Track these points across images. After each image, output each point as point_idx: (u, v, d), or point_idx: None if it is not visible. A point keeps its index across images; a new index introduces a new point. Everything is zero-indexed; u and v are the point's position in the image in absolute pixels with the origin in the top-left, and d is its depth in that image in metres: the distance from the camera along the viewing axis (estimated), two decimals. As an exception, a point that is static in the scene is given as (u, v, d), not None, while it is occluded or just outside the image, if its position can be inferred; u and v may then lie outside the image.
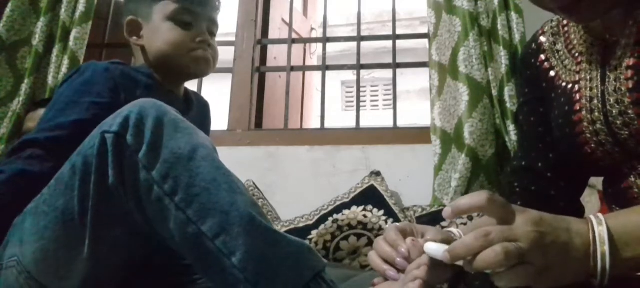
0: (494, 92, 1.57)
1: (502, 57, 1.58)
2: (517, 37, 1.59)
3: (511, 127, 1.52)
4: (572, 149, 0.69)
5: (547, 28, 0.79)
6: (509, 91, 1.55)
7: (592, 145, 0.66)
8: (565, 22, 0.76)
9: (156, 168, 0.68)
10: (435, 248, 0.56)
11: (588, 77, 0.68)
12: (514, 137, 1.51)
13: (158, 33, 1.03)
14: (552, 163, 0.74)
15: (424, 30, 2.02)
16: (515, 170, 0.79)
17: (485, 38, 1.62)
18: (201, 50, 1.04)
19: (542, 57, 0.77)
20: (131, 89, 0.96)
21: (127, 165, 0.69)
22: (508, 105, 1.54)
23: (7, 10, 1.86)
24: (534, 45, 0.80)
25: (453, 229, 0.70)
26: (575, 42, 0.73)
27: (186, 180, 0.68)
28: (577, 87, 0.69)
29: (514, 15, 1.60)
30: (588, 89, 0.67)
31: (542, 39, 0.79)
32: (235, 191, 0.69)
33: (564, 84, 0.72)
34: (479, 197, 0.53)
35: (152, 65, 1.05)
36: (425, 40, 1.89)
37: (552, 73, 0.75)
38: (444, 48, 1.68)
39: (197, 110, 1.14)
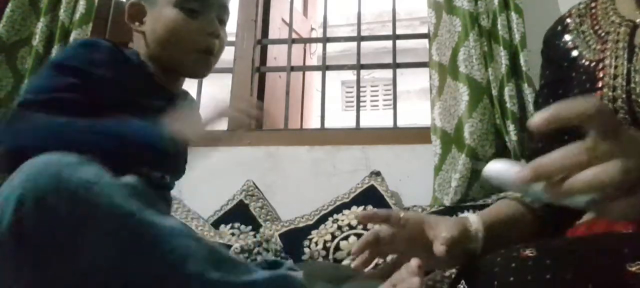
0: (494, 92, 1.57)
1: (502, 57, 1.58)
2: (517, 37, 1.58)
3: (511, 127, 1.52)
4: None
5: (574, 10, 0.80)
6: (509, 91, 1.55)
7: None
8: (593, 3, 0.78)
9: None
10: (500, 169, 0.46)
11: (614, 56, 0.69)
12: (514, 137, 1.51)
13: (161, 19, 0.94)
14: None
15: (424, 30, 2.02)
16: (532, 154, 0.79)
17: (485, 38, 1.62)
18: (204, 50, 0.95)
19: (567, 37, 0.78)
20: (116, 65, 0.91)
21: None
22: (508, 105, 1.54)
23: (7, 10, 1.86)
24: (559, 27, 0.81)
25: (468, 215, 0.68)
26: (602, 22, 0.74)
27: None
28: (600, 65, 0.70)
29: (514, 15, 1.60)
30: (613, 67, 0.68)
31: (568, 20, 0.80)
32: None
33: (586, 63, 0.73)
34: (586, 102, 0.42)
35: (152, 54, 0.97)
36: (425, 40, 1.89)
37: (575, 53, 0.76)
38: (444, 48, 1.68)
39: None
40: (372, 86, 6.39)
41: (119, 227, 0.61)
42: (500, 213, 0.72)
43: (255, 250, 1.47)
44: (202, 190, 1.68)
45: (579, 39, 0.76)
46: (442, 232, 0.62)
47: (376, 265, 0.69)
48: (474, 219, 0.67)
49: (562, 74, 0.78)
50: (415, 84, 5.60)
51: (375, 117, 5.89)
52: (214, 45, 0.97)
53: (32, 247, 0.58)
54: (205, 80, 2.05)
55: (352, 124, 1.97)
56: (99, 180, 0.61)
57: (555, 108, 0.42)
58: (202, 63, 0.98)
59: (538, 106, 0.84)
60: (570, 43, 0.77)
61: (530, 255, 0.56)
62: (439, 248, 0.54)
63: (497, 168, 0.46)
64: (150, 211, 0.64)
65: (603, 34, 0.73)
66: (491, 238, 0.66)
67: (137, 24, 0.98)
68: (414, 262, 0.59)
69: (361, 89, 6.04)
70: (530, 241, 0.56)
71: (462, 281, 0.62)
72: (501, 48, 1.59)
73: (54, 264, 0.59)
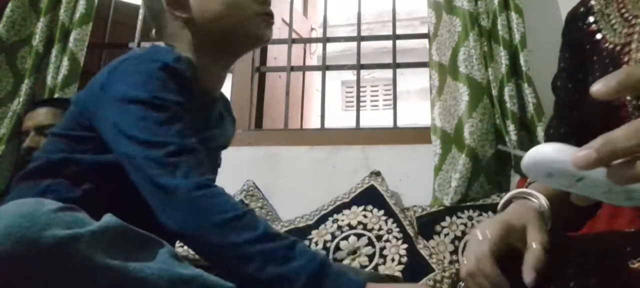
0: (494, 92, 1.57)
1: (502, 57, 1.58)
2: (517, 37, 1.58)
3: (511, 127, 1.52)
4: (608, 110, 0.66)
5: None
6: (509, 91, 1.55)
7: (629, 109, 0.64)
8: None
9: None
10: (549, 152, 0.39)
11: None
12: (514, 137, 1.51)
13: None
14: (584, 131, 0.72)
15: (424, 30, 2.02)
16: (550, 139, 0.78)
17: (485, 38, 1.62)
18: (263, 11, 0.90)
19: (591, 19, 0.76)
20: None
21: None
22: (508, 105, 1.54)
23: (7, 10, 1.86)
24: (582, 9, 0.78)
25: (536, 194, 0.63)
26: (629, 5, 0.71)
27: None
28: (626, 49, 0.68)
29: (514, 15, 1.60)
30: (639, 51, 0.66)
31: (593, 1, 0.77)
32: None
33: (610, 46, 0.71)
34: None
35: (202, 43, 0.90)
36: (425, 40, 1.89)
37: (599, 36, 0.74)
38: (444, 48, 1.68)
39: (229, 121, 1.06)
40: (372, 86, 6.39)
41: (96, 281, 0.58)
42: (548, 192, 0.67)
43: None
44: (202, 190, 1.68)
45: (604, 22, 0.74)
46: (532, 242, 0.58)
47: None
48: (543, 201, 0.63)
49: (583, 58, 0.75)
50: (415, 84, 5.60)
51: (375, 117, 5.89)
52: (269, 2, 0.93)
53: None
54: (205, 80, 2.05)
55: (352, 124, 1.97)
56: (73, 236, 0.57)
57: (623, 72, 0.37)
58: (266, 24, 0.92)
59: (556, 90, 0.81)
60: (593, 25, 0.75)
61: None
62: (528, 276, 0.51)
63: (543, 154, 0.39)
64: (131, 259, 0.61)
65: (630, 17, 0.70)
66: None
67: (179, 11, 0.89)
68: None
69: (361, 89, 6.04)
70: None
71: (461, 283, 0.61)
72: (501, 48, 1.59)
73: None
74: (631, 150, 0.37)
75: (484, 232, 0.59)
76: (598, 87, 0.37)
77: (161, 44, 0.95)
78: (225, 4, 0.88)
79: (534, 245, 0.56)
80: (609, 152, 0.37)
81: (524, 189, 0.67)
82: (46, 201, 0.60)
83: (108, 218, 0.63)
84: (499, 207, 0.68)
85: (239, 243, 0.69)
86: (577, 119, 0.72)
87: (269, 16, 0.92)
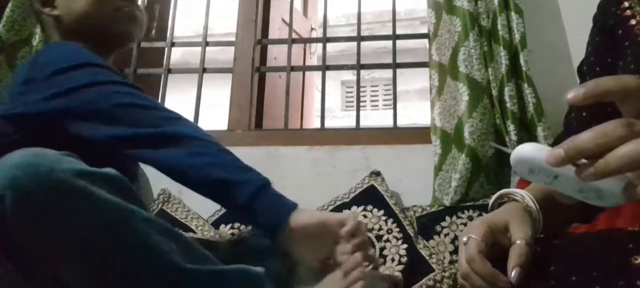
0: (494, 92, 1.57)
1: (502, 57, 1.58)
2: (517, 37, 1.58)
3: (511, 127, 1.52)
4: None
5: None
6: (508, 91, 1.55)
7: None
8: None
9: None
10: (529, 151, 0.43)
11: None
12: (514, 137, 1.51)
13: None
14: (607, 116, 0.72)
15: (424, 30, 2.02)
16: (570, 123, 0.77)
17: (485, 38, 1.62)
18: (128, 6, 0.94)
19: (626, 4, 0.75)
20: None
21: None
22: (508, 105, 1.54)
23: (7, 10, 1.85)
24: None
25: (521, 192, 0.64)
26: None
27: None
28: None
29: (514, 15, 1.60)
30: None
31: None
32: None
33: None
34: (626, 78, 0.40)
35: (73, 39, 0.92)
36: (425, 40, 1.89)
37: (633, 21, 0.73)
38: (444, 48, 1.68)
39: None
40: (372, 86, 6.39)
41: (101, 218, 0.62)
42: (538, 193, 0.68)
43: (255, 250, 1.47)
44: (202, 190, 1.68)
45: (639, 6, 0.73)
46: (516, 237, 0.60)
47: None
48: (528, 198, 0.64)
49: (614, 43, 0.74)
50: (415, 84, 5.60)
51: (376, 117, 5.90)
52: (134, 7, 0.97)
53: (14, 243, 0.58)
54: (205, 80, 2.06)
55: (352, 123, 1.97)
56: (80, 173, 0.61)
57: (594, 82, 0.40)
58: (129, 21, 0.96)
59: (582, 74, 0.81)
60: (628, 11, 0.74)
61: (536, 250, 0.56)
62: (512, 272, 0.53)
63: (525, 152, 0.43)
64: (131, 203, 0.65)
65: None
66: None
67: (48, 8, 0.94)
68: None
69: (361, 89, 6.04)
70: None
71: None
72: (501, 48, 1.59)
73: (36, 257, 0.59)
74: (594, 150, 0.39)
75: (469, 235, 0.61)
76: (571, 95, 0.41)
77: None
78: (90, 3, 0.92)
79: (518, 241, 0.57)
80: (575, 151, 0.40)
81: (508, 190, 0.69)
82: (47, 149, 0.63)
83: (109, 169, 0.67)
84: (489, 209, 0.69)
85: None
86: (601, 104, 0.72)
87: (132, 10, 0.95)
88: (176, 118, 0.83)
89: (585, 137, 0.40)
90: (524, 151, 0.43)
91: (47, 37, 0.98)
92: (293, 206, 0.83)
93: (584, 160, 0.41)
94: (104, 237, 0.61)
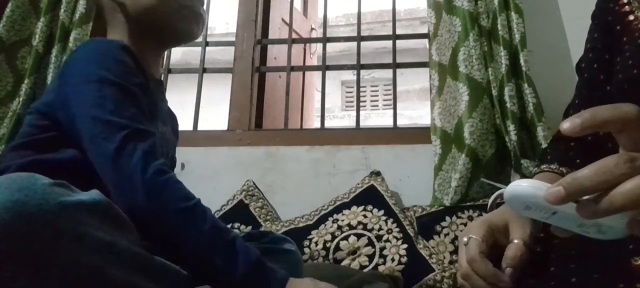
0: (494, 92, 1.57)
1: (502, 57, 1.58)
2: (517, 37, 1.58)
3: (511, 127, 1.52)
4: (635, 91, 0.65)
5: None
6: (508, 91, 1.55)
7: None
8: None
9: None
10: (525, 188, 0.41)
11: None
12: (514, 137, 1.51)
13: None
14: None
15: (424, 30, 2.02)
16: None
17: (485, 38, 1.62)
18: (194, 5, 0.92)
19: (624, 0, 0.75)
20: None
21: None
22: (508, 105, 1.54)
23: (7, 10, 1.85)
24: None
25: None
26: None
27: None
28: None
29: (514, 15, 1.60)
30: None
31: None
32: None
33: None
34: (625, 107, 0.39)
35: (136, 31, 0.92)
36: (425, 40, 1.89)
37: (631, 17, 0.73)
38: (444, 48, 1.68)
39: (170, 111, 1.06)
40: (372, 86, 6.40)
41: (89, 255, 0.59)
42: None
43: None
44: (202, 190, 1.67)
45: (637, 3, 0.73)
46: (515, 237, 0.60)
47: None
48: None
49: (612, 39, 0.74)
50: (415, 84, 5.61)
51: (375, 117, 5.90)
52: (199, 6, 0.96)
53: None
54: (205, 81, 2.06)
55: (352, 124, 1.97)
56: (64, 203, 0.58)
57: (591, 112, 0.39)
58: (195, 21, 0.95)
59: (580, 71, 0.81)
60: (627, 6, 0.73)
61: (537, 250, 0.56)
62: (507, 271, 0.53)
63: (521, 189, 0.41)
64: (117, 236, 0.63)
65: None
66: None
67: None
68: None
69: (361, 89, 6.04)
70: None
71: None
72: (501, 48, 1.59)
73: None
74: (596, 187, 0.38)
75: (469, 236, 0.60)
76: (566, 125, 0.39)
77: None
78: None
79: (515, 241, 0.57)
80: (576, 189, 0.39)
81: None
82: (38, 176, 0.59)
83: (93, 193, 0.64)
84: (487, 208, 0.69)
85: (190, 232, 0.74)
86: (600, 100, 0.72)
87: (196, 11, 0.94)
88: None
89: (586, 174, 0.38)
90: (521, 187, 0.42)
91: (107, 22, 0.95)
92: (284, 278, 0.78)
93: (585, 196, 0.40)
94: (89, 277, 0.59)
